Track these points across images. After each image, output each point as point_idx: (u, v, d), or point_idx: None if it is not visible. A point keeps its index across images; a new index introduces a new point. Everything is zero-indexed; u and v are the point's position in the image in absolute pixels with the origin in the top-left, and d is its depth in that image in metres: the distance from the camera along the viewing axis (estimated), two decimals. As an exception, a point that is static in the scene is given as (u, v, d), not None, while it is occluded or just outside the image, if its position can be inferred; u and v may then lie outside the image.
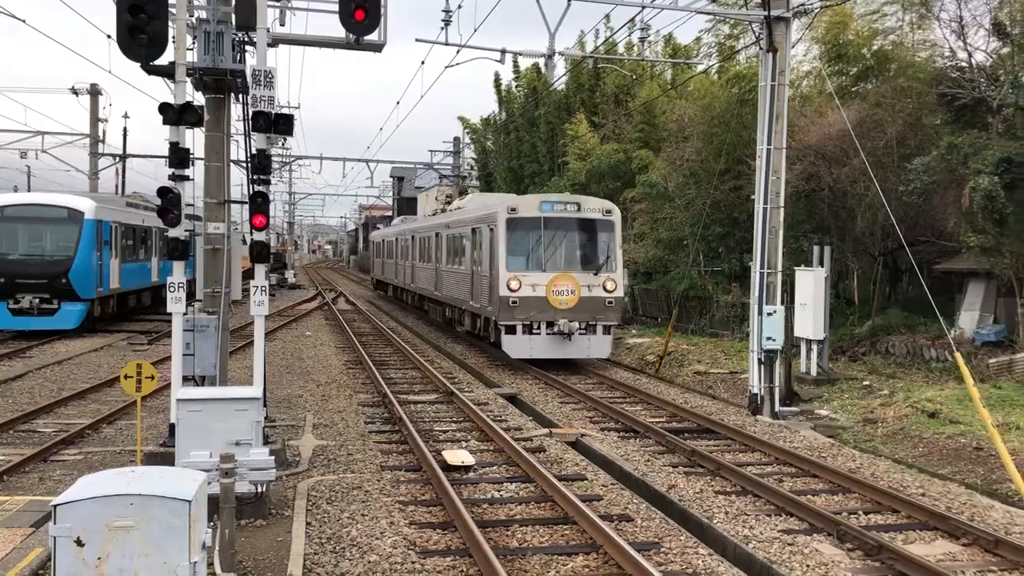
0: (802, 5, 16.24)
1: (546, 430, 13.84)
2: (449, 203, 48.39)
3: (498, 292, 19.62)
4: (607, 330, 20.23)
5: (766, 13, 15.51)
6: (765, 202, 15.61)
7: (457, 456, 11.72)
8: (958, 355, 13.29)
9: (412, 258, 33.86)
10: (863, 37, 24.73)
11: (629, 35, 32.97)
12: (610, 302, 19.94)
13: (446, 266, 26.42)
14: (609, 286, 19.91)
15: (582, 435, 13.63)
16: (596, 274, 19.94)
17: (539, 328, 19.65)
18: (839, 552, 8.71)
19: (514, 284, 19.43)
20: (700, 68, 30.80)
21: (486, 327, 21.62)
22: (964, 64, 21.78)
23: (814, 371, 18.94)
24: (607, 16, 37.05)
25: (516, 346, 19.76)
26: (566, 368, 20.73)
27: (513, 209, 20.01)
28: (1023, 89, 18.90)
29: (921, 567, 8.10)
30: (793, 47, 17.51)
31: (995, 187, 17.54)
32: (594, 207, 20.53)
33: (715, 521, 9.54)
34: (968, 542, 8.99)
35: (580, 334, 19.69)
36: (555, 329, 19.55)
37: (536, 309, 19.54)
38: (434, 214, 34.77)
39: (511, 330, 19.72)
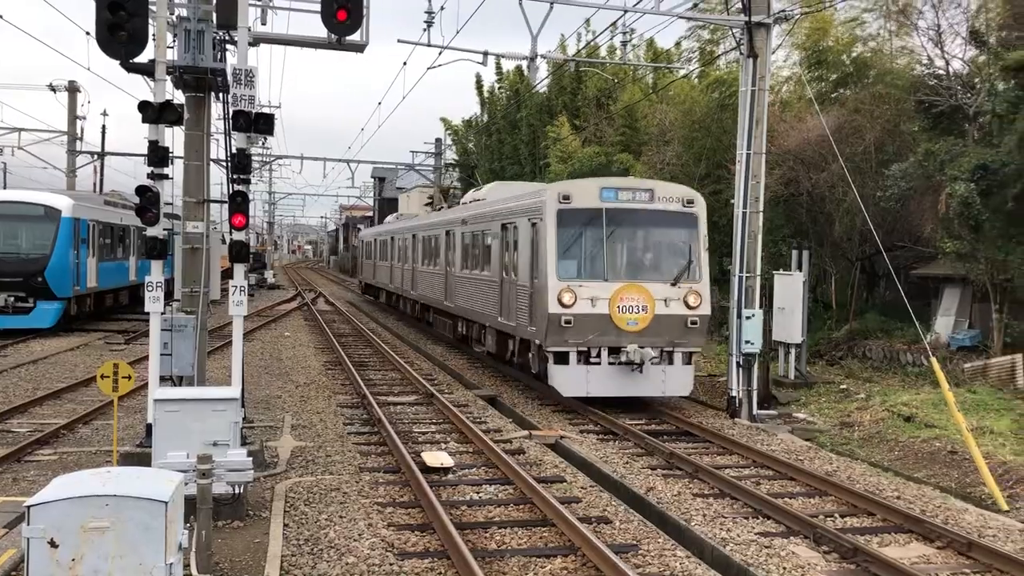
0: (783, 11, 16.39)
1: (525, 432, 13.85)
2: (431, 202, 48.10)
3: (545, 308, 14.93)
4: (688, 359, 15.52)
5: (747, 19, 15.62)
6: (744, 206, 15.70)
7: (436, 458, 11.71)
8: (934, 359, 13.45)
9: (413, 260, 29.30)
10: (843, 44, 24.99)
11: (611, 39, 33.15)
12: (693, 322, 15.22)
13: (461, 271, 21.77)
14: (692, 301, 15.19)
15: (561, 437, 13.65)
16: (675, 284, 15.23)
17: (598, 356, 15.00)
18: (815, 555, 8.78)
19: (567, 298, 14.75)
20: (681, 73, 30.97)
21: (522, 352, 17.02)
22: (941, 72, 22.05)
23: (792, 375, 19.08)
24: (587, 21, 37.20)
25: (568, 380, 15.04)
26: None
27: (566, 197, 15.25)
28: (999, 97, 19.14)
29: (896, 570, 8.17)
30: (773, 53, 17.67)
31: (971, 194, 17.76)
32: (671, 195, 15.73)
33: (693, 523, 9.58)
34: (942, 545, 9.08)
35: (653, 363, 14.95)
36: (622, 357, 14.90)
37: (596, 331, 14.88)
38: (439, 209, 29.87)
39: (562, 359, 15.02)
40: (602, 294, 14.97)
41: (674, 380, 15.37)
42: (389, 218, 43.11)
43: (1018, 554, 8.72)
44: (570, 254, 15.42)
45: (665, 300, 15.17)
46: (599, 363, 15.00)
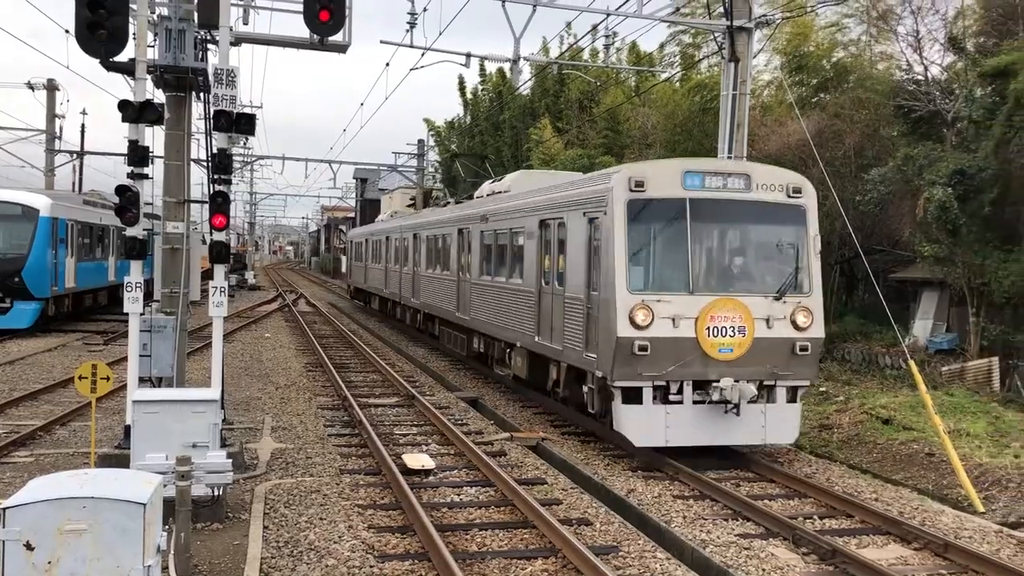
0: (764, 16, 16.50)
1: (507, 434, 13.85)
2: (413, 203, 47.80)
3: (612, 329, 11.60)
4: (793, 395, 12.28)
5: (728, 23, 15.72)
6: (726, 210, 15.67)
7: (417, 460, 11.69)
8: (912, 363, 13.56)
9: (415, 264, 25.92)
10: (823, 49, 25.20)
11: (593, 42, 33.24)
12: (803, 347, 12.04)
13: (480, 278, 18.55)
14: (801, 319, 12.08)
15: (543, 439, 13.65)
16: (779, 299, 12.07)
17: (680, 392, 11.76)
18: (794, 556, 8.83)
19: (642, 316, 11.48)
20: (663, 76, 31.10)
21: (571, 383, 13.67)
22: (920, 77, 22.28)
23: (772, 377, 19.14)
24: (568, 24, 37.27)
25: (642, 426, 11.72)
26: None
27: (639, 184, 11.83)
28: (976, 103, 19.36)
29: (874, 571, 8.24)
30: (754, 57, 17.78)
31: (949, 198, 17.95)
32: (773, 182, 12.41)
33: (673, 525, 9.62)
34: (919, 546, 9.17)
35: (750, 402, 11.83)
36: (713, 395, 11.66)
37: (678, 360, 11.59)
38: (444, 206, 25.97)
39: (633, 397, 11.72)
40: (687, 311, 11.66)
41: (776, 423, 12.07)
42: (382, 216, 39.73)
43: (993, 555, 8.82)
44: (644, 259, 12.20)
45: (767, 319, 11.94)
46: (681, 402, 11.76)
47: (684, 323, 11.64)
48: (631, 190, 11.87)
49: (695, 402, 11.77)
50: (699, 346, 11.65)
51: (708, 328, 11.68)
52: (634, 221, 11.91)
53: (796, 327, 12.09)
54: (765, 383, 11.98)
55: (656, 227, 12.24)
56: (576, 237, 13.18)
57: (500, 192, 19.29)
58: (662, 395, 11.78)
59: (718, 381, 11.64)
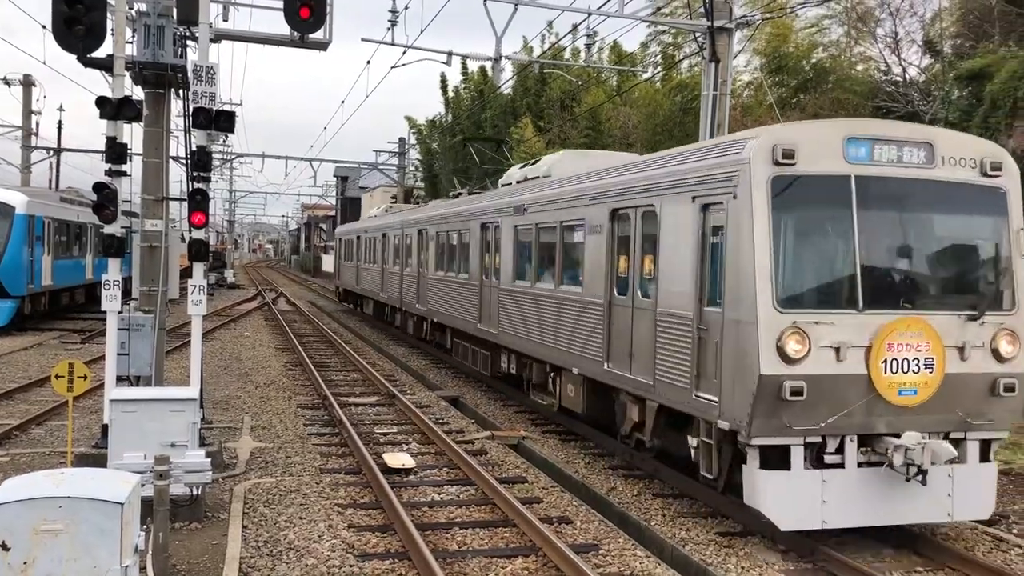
0: (744, 17, 16.60)
1: (488, 433, 13.86)
2: (395, 201, 47.45)
3: (752, 364, 8.30)
4: (986, 451, 9.08)
5: (709, 23, 15.81)
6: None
7: (397, 459, 11.67)
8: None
9: (420, 265, 22.82)
10: (803, 50, 25.40)
11: (574, 41, 33.30)
12: (1008, 386, 8.82)
13: (514, 283, 15.36)
14: (1006, 347, 8.87)
15: (524, 438, 13.68)
16: (976, 318, 8.80)
17: (840, 451, 8.58)
18: (774, 554, 8.89)
19: (794, 345, 8.21)
20: (644, 76, 31.21)
21: (667, 430, 10.50)
22: (899, 78, 22.52)
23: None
24: (550, 24, 37.27)
25: (789, 499, 8.44)
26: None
27: (787, 155, 8.42)
28: (952, 105, 19.57)
29: (852, 568, 8.31)
30: (735, 58, 17.89)
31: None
32: (963, 154, 9.06)
33: (653, 523, 9.65)
34: (897, 544, 9.25)
35: (935, 465, 8.42)
36: (895, 459, 8.39)
37: (839, 406, 8.36)
38: (457, 196, 22.40)
39: (775, 459, 8.49)
40: (855, 338, 8.38)
41: (966, 491, 8.87)
42: (374, 212, 36.60)
43: (967, 552, 8.92)
44: (792, 263, 8.78)
45: (961, 347, 8.71)
46: (842, 465, 8.57)
47: (852, 355, 8.36)
48: (776, 163, 8.44)
49: (860, 464, 8.62)
50: (872, 386, 8.40)
51: (885, 361, 8.41)
52: (781, 209, 8.49)
53: (998, 358, 8.86)
54: (952, 435, 8.81)
55: (810, 216, 8.91)
56: (677, 231, 9.85)
57: (536, 178, 15.78)
58: (816, 456, 8.58)
59: (895, 436, 8.46)
